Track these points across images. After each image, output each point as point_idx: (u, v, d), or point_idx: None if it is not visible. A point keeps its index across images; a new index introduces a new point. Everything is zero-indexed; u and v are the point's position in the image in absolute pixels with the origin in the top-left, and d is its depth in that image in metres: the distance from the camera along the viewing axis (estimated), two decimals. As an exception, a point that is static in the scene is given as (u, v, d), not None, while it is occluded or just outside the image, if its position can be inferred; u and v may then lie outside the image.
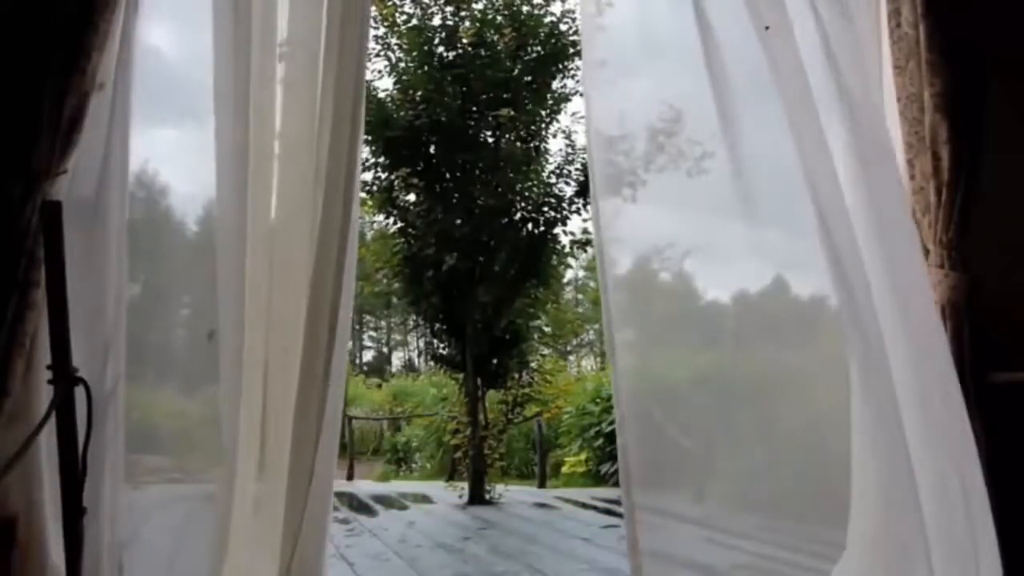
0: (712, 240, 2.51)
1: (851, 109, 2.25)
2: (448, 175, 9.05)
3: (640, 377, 2.40)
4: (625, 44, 2.46)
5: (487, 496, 8.90)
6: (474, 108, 8.86)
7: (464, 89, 8.79)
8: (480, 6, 9.01)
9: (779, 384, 2.52)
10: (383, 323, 29.74)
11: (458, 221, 8.81)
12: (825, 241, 2.18)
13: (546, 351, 11.15)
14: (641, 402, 2.33)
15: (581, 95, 9.19)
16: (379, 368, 27.05)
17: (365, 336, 29.59)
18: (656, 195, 2.51)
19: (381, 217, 9.44)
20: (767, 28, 2.21)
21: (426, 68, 8.84)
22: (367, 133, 8.48)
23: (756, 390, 2.50)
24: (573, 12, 8.97)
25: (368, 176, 8.85)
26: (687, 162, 2.47)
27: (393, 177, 8.89)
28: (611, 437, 10.35)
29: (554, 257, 9.50)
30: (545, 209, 9.16)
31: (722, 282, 2.54)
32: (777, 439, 2.45)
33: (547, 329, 10.87)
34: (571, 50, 8.97)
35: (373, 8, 8.32)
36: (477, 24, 8.83)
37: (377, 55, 8.91)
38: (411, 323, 25.41)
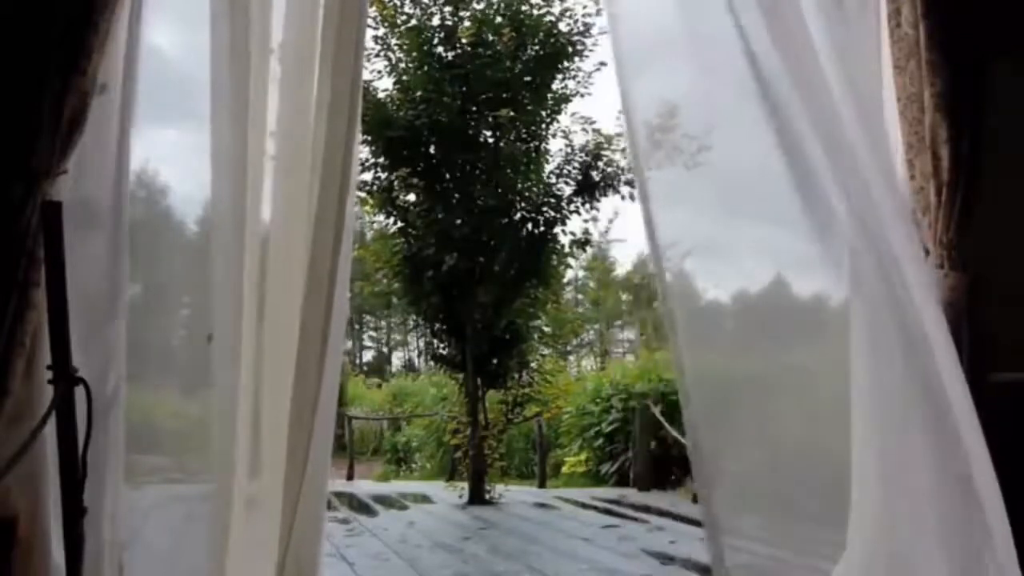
0: (714, 239, 2.51)
1: (850, 106, 2.25)
2: (448, 175, 9.05)
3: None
4: (635, 39, 2.43)
5: (487, 496, 8.90)
6: (474, 108, 8.86)
7: (464, 89, 8.78)
8: (480, 6, 9.00)
9: (779, 384, 2.52)
10: (383, 323, 29.73)
11: (458, 221, 8.81)
12: (838, 236, 2.17)
13: (546, 351, 11.13)
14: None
15: (581, 96, 9.26)
16: (379, 368, 27.06)
17: (365, 336, 29.59)
18: (655, 192, 2.50)
19: (381, 217, 9.44)
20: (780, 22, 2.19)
21: (426, 68, 8.83)
22: (367, 133, 8.48)
23: (756, 390, 2.51)
24: (573, 12, 8.98)
25: (368, 176, 8.86)
26: (683, 156, 2.46)
27: (393, 177, 8.89)
28: (611, 437, 10.38)
29: (554, 257, 9.50)
30: (545, 209, 9.15)
31: (724, 282, 2.54)
32: (777, 439, 2.45)
33: (547, 329, 10.86)
34: (571, 50, 8.97)
35: (373, 8, 8.33)
36: (477, 24, 8.82)
37: (377, 55, 8.90)
38: (411, 323, 25.40)
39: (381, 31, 8.88)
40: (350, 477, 11.47)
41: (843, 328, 2.33)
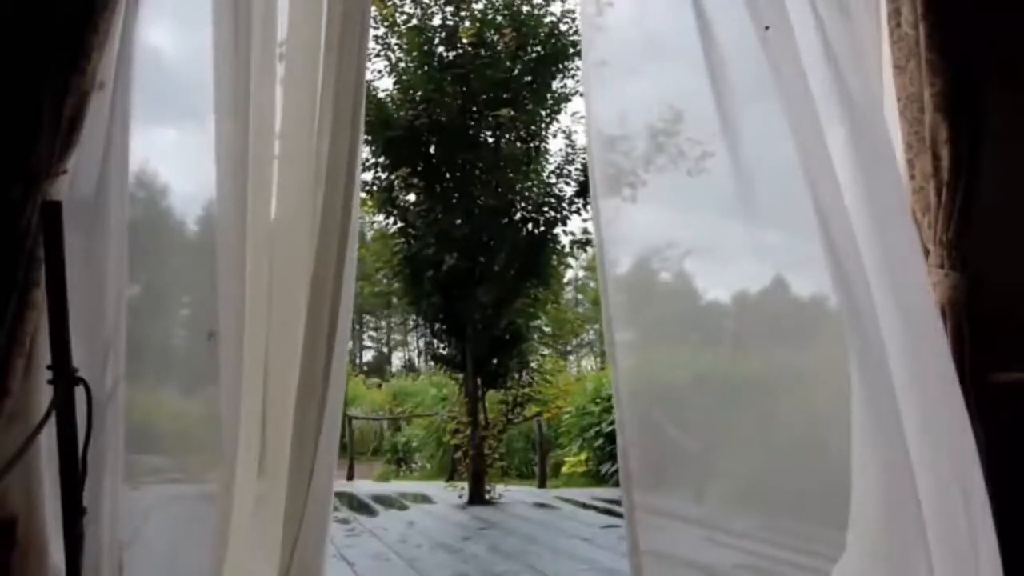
0: (712, 240, 2.52)
1: (851, 109, 2.25)
2: (448, 175, 9.06)
3: (640, 377, 2.40)
4: (625, 44, 2.46)
5: (487, 496, 8.90)
6: (474, 108, 8.86)
7: (464, 89, 8.79)
8: (480, 6, 9.01)
9: (779, 384, 2.52)
10: (383, 323, 29.73)
11: (458, 221, 8.82)
12: (825, 241, 2.18)
13: (546, 351, 11.14)
14: (641, 402, 2.33)
15: (581, 95, 9.26)
16: (379, 368, 27.04)
17: (365, 336, 29.58)
18: (656, 193, 2.51)
19: (381, 217, 9.45)
20: (767, 28, 2.21)
21: (426, 68, 8.84)
22: (367, 133, 8.48)
23: (756, 390, 2.50)
24: (573, 12, 8.99)
25: (368, 176, 8.86)
26: (687, 162, 2.47)
27: (393, 177, 8.90)
28: (611, 437, 10.35)
29: (554, 257, 9.51)
30: (545, 209, 9.16)
31: (722, 282, 2.54)
32: (777, 439, 2.45)
33: (547, 329, 10.87)
34: (571, 50, 8.97)
35: (373, 8, 8.33)
36: (477, 24, 8.83)
37: (377, 55, 8.92)
38: (411, 323, 25.41)
39: (381, 31, 8.90)
40: (350, 477, 11.47)
41: (844, 328, 2.32)
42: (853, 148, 2.26)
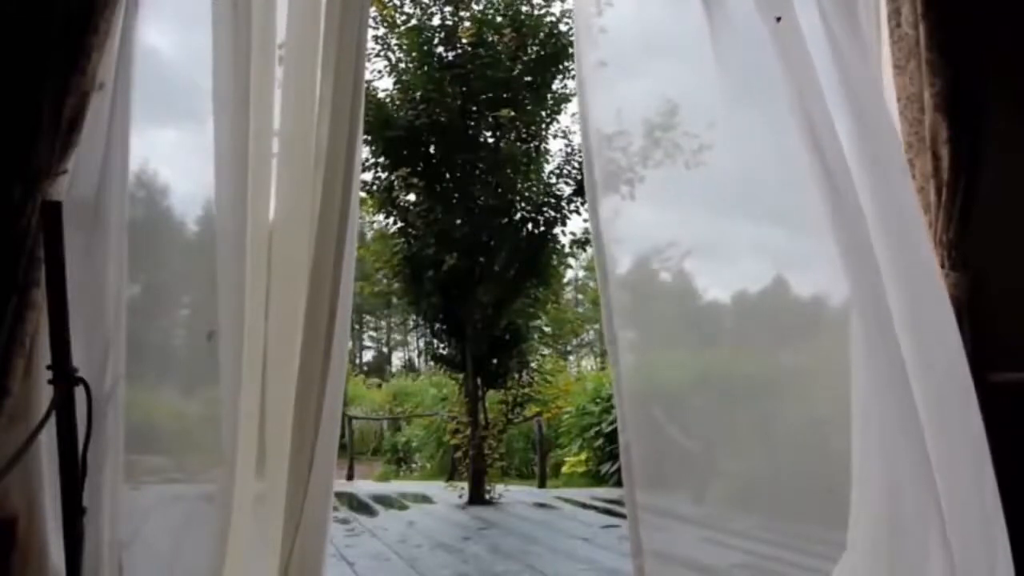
0: (712, 239, 2.51)
1: (855, 102, 2.24)
2: (448, 175, 9.05)
3: (641, 377, 2.40)
4: (623, 39, 2.46)
5: (487, 496, 8.90)
6: (474, 108, 8.86)
7: (464, 89, 8.78)
8: (480, 6, 9.00)
9: (779, 384, 2.52)
10: (383, 323, 29.73)
11: (458, 221, 8.81)
12: (831, 236, 2.16)
13: (546, 351, 11.13)
14: (642, 402, 2.33)
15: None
16: (379, 368, 27.04)
17: (365, 336, 29.58)
18: (655, 191, 2.51)
19: (381, 217, 9.44)
20: (778, 19, 2.19)
21: (426, 68, 8.83)
22: (367, 133, 8.47)
23: (756, 390, 2.50)
24: (573, 12, 8.97)
25: (368, 176, 8.85)
26: (684, 155, 2.47)
27: (393, 177, 8.89)
28: (611, 437, 10.37)
29: (554, 257, 9.50)
30: (545, 209, 9.16)
31: (722, 281, 2.54)
32: (777, 439, 2.45)
33: (547, 329, 10.86)
34: (571, 50, 8.91)
35: (373, 8, 8.33)
36: (477, 24, 8.83)
37: (377, 55, 8.91)
38: (411, 323, 25.40)
39: (381, 31, 8.89)
40: (350, 477, 11.46)
41: (843, 328, 2.32)
42: (859, 142, 2.25)
